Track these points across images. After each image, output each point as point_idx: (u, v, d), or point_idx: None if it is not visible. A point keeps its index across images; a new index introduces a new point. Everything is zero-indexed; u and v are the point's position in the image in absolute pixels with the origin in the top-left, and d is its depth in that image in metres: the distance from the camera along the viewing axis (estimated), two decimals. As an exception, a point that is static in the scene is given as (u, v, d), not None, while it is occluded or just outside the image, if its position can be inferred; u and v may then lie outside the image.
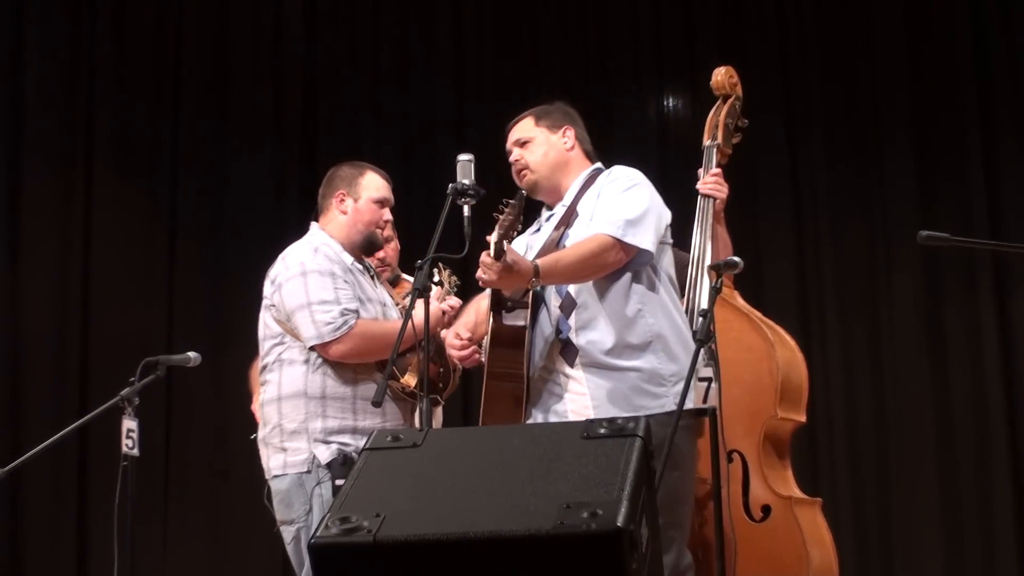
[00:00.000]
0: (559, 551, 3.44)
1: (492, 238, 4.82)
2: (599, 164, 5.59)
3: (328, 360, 5.68)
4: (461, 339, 5.38)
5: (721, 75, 6.39)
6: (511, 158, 5.59)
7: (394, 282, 6.51)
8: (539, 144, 5.53)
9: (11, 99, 9.35)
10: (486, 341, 5.34)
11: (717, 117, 6.29)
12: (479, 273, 4.92)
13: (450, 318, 5.81)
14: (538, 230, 5.52)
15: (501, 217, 4.85)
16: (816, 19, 9.29)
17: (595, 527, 3.40)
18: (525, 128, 5.58)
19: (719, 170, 6.11)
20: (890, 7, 9.09)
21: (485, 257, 4.86)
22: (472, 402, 6.36)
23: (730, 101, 6.35)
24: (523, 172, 5.54)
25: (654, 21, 9.62)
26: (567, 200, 5.47)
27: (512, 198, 4.94)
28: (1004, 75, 8.82)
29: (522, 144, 5.55)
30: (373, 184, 5.97)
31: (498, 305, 5.29)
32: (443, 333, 5.75)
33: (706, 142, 6.23)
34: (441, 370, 5.56)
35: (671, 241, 5.46)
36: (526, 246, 5.52)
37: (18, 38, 9.45)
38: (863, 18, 9.16)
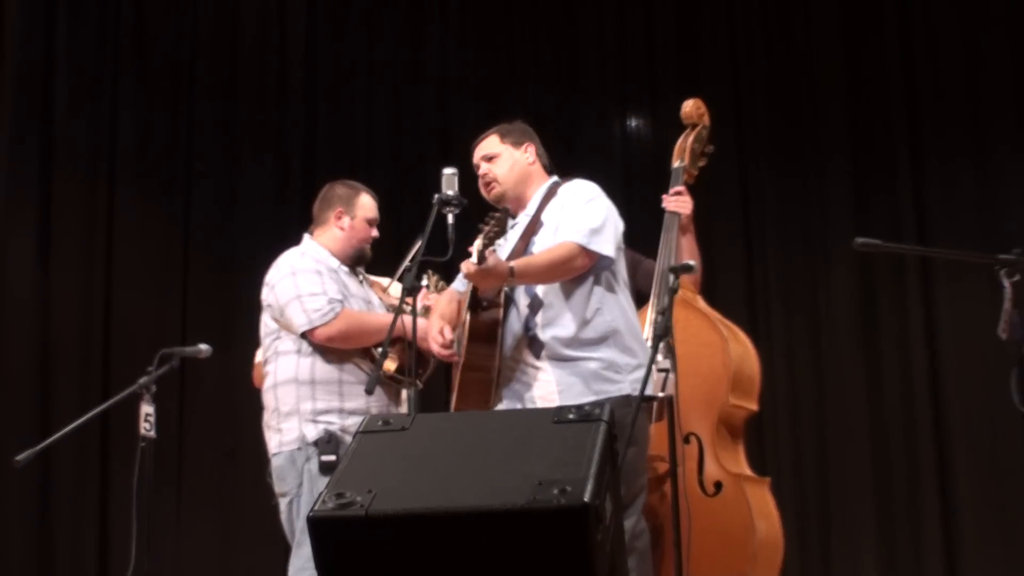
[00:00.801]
0: (532, 523, 3.46)
1: (476, 246, 4.88)
2: (556, 177, 5.62)
3: (317, 348, 5.75)
4: (445, 338, 5.38)
5: (690, 106, 6.46)
6: (479, 172, 5.62)
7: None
8: (505, 159, 5.57)
9: (42, 114, 9.31)
10: (462, 335, 5.37)
11: (685, 142, 6.35)
12: (463, 272, 5.00)
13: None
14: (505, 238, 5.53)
15: (486, 228, 4.92)
16: (764, 50, 9.29)
17: (564, 502, 3.43)
18: (491, 144, 5.61)
19: (683, 188, 6.15)
20: (829, 40, 9.10)
21: (468, 262, 4.92)
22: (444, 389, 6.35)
23: (697, 129, 6.42)
24: (491, 184, 5.58)
25: (620, 51, 9.62)
26: (530, 210, 5.50)
27: (496, 211, 4.98)
28: (929, 98, 8.83)
29: (489, 159, 5.59)
30: (367, 205, 6.06)
31: (475, 304, 5.33)
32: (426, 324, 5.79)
33: (675, 163, 6.30)
34: (419, 357, 5.57)
35: (623, 248, 5.49)
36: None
37: (49, 59, 9.41)
38: (805, 49, 9.18)
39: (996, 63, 8.69)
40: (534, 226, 5.42)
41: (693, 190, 6.23)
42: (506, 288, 5.26)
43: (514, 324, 5.35)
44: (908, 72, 8.90)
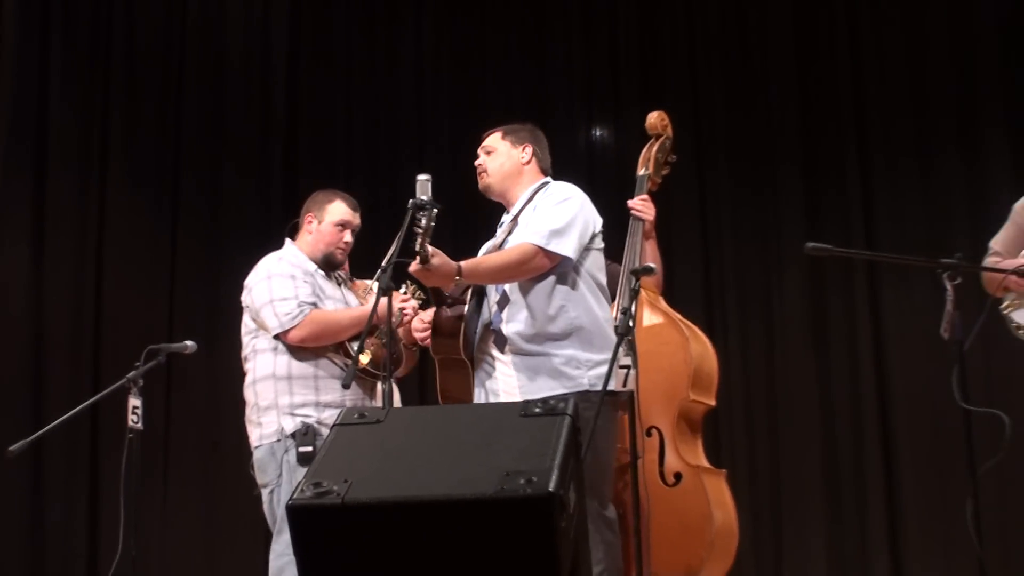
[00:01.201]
0: (500, 512, 3.47)
1: (416, 247, 4.92)
2: (548, 180, 5.61)
3: (291, 346, 5.75)
4: (424, 323, 5.52)
5: (655, 118, 6.47)
6: (476, 162, 5.66)
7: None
8: (500, 154, 5.59)
9: (37, 122, 9.31)
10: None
11: (650, 152, 6.35)
12: (412, 267, 5.01)
13: (408, 319, 5.85)
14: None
15: (419, 229, 4.92)
16: (721, 65, 9.32)
17: (530, 491, 3.43)
18: (493, 140, 5.63)
19: (647, 196, 6.15)
20: (783, 56, 9.13)
21: (415, 264, 4.97)
22: (428, 384, 6.35)
23: (661, 139, 6.42)
24: (481, 175, 5.62)
25: (586, 65, 9.63)
26: (514, 210, 5.53)
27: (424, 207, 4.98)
28: (876, 111, 8.86)
29: (487, 152, 5.61)
30: (337, 210, 6.06)
31: (440, 301, 5.42)
32: (405, 321, 5.85)
33: (639, 172, 6.30)
34: (394, 354, 5.57)
35: (600, 247, 5.49)
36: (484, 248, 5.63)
37: (44, 70, 9.39)
38: (760, 65, 9.21)
39: (938, 76, 8.73)
40: (513, 227, 5.45)
41: (655, 196, 6.23)
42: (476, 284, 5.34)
43: (483, 317, 5.40)
44: (856, 85, 8.94)
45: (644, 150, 6.33)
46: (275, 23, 10.10)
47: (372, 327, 5.45)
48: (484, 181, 5.63)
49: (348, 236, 6.06)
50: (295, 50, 10.10)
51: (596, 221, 5.47)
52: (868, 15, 8.97)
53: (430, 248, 4.95)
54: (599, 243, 5.48)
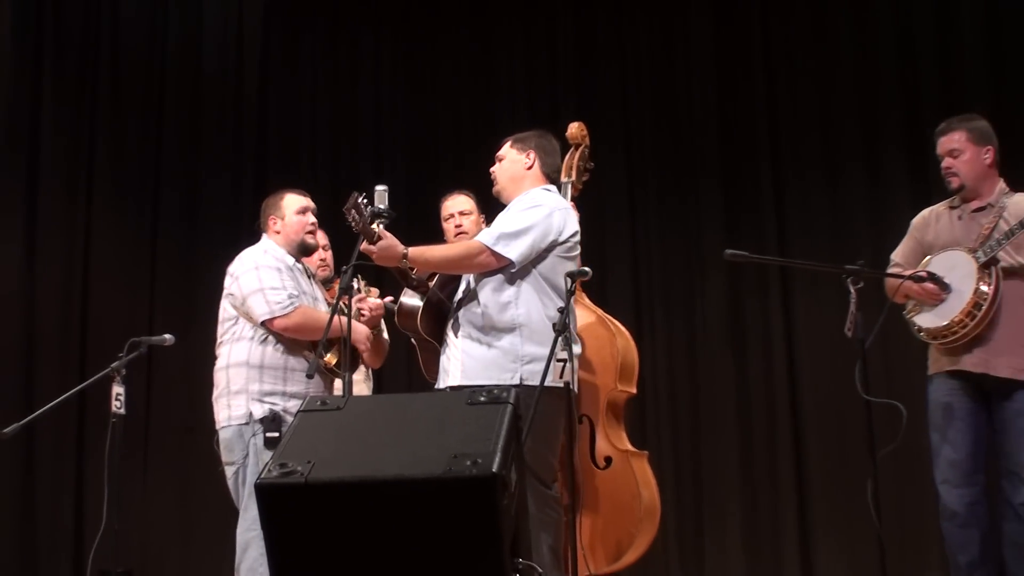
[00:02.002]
0: (448, 490, 3.51)
1: (363, 228, 4.99)
2: (548, 185, 5.60)
3: (270, 337, 5.75)
4: (369, 306, 5.80)
5: (575, 128, 6.41)
6: (491, 168, 5.69)
7: (328, 281, 6.50)
8: (507, 161, 5.61)
9: (29, 133, 9.30)
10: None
11: (572, 160, 6.29)
12: (362, 246, 5.05)
13: (367, 319, 5.86)
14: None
15: (361, 213, 4.96)
16: (651, 87, 9.32)
17: (476, 472, 3.47)
18: (504, 148, 5.67)
19: (571, 203, 6.09)
20: (705, 77, 9.14)
21: (365, 244, 5.02)
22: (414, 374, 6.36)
23: (581, 148, 6.36)
24: (494, 181, 5.65)
25: (528, 85, 9.63)
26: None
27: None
28: (788, 132, 8.88)
29: (499, 160, 5.64)
30: (292, 201, 6.04)
31: (407, 283, 5.44)
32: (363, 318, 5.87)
33: (563, 179, 6.22)
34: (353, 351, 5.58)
35: (566, 253, 5.44)
36: None
37: (37, 86, 9.38)
38: (685, 85, 9.21)
39: (844, 100, 8.75)
40: None
41: (578, 202, 6.21)
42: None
43: (454, 303, 5.43)
44: (770, 107, 8.95)
45: (566, 158, 6.25)
46: (248, 44, 10.07)
47: (334, 338, 5.46)
48: (495, 188, 5.66)
49: (311, 217, 6.05)
50: (265, 70, 10.07)
51: (563, 230, 5.41)
52: (781, 45, 8.98)
53: (378, 230, 4.99)
54: (563, 251, 5.41)
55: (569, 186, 6.23)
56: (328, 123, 10.01)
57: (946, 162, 5.66)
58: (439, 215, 6.46)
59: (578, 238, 5.51)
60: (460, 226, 6.07)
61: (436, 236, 6.34)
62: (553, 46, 9.65)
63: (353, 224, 4.96)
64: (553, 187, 5.61)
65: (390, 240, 5.04)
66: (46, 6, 9.52)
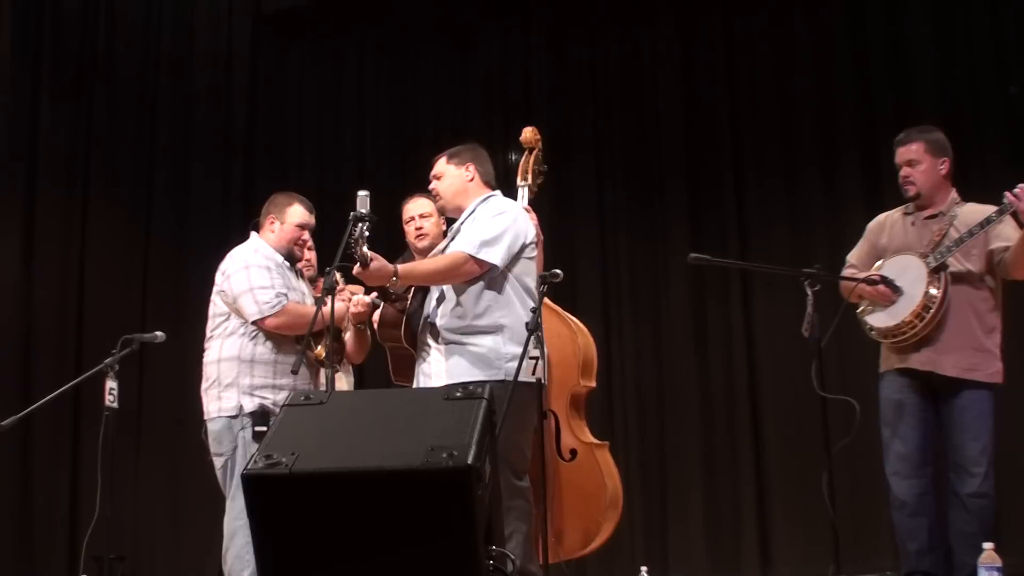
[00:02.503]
0: (426, 481, 3.51)
1: (356, 255, 4.94)
2: (494, 192, 5.58)
3: (260, 333, 5.74)
4: (362, 303, 5.75)
5: (529, 132, 6.33)
6: (430, 187, 5.64)
7: (312, 280, 6.49)
8: (447, 177, 5.55)
9: (28, 138, 9.34)
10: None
11: (527, 164, 6.22)
12: (355, 270, 5.04)
13: (355, 313, 5.87)
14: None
15: (352, 240, 4.93)
16: (620, 95, 9.33)
17: (452, 464, 3.48)
18: (440, 166, 5.59)
19: (529, 207, 6.05)
20: (671, 87, 9.15)
21: (357, 268, 5.00)
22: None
23: (534, 152, 6.28)
24: (436, 198, 5.61)
25: (502, 93, 9.63)
26: (459, 221, 5.51)
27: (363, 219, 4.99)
28: (749, 139, 8.90)
29: (437, 178, 5.58)
30: (297, 213, 6.00)
31: (385, 297, 5.44)
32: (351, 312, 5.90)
33: (519, 183, 6.19)
34: (337, 345, 5.59)
35: (532, 255, 5.44)
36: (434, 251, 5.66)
37: (36, 94, 9.41)
38: (651, 94, 9.21)
39: (802, 109, 8.77)
40: (456, 233, 5.44)
41: (550, 205, 6.17)
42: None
43: (426, 311, 5.39)
44: (733, 114, 8.96)
45: (521, 163, 6.20)
46: (237, 56, 10.07)
47: (324, 329, 5.44)
48: (439, 203, 5.64)
49: (307, 235, 6.04)
50: (254, 80, 10.08)
51: (528, 233, 5.42)
52: (743, 57, 9.00)
53: (369, 253, 4.96)
54: (530, 252, 5.42)
55: (525, 189, 6.17)
56: (313, 130, 10.01)
57: (904, 171, 5.69)
58: None
59: (535, 240, 5.52)
60: (420, 228, 6.04)
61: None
62: (527, 56, 9.65)
63: (353, 250, 4.96)
64: (498, 192, 5.61)
65: (381, 262, 5.04)
66: (45, 17, 9.54)
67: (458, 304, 5.27)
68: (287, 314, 5.67)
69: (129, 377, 8.01)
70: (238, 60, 10.08)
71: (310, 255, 6.48)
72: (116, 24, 9.85)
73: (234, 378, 5.71)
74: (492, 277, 5.27)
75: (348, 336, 6.25)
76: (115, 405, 6.27)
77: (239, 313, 5.76)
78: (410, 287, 5.40)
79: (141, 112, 9.83)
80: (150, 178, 9.76)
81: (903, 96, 8.45)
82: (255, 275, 5.75)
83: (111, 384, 6.23)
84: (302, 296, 5.89)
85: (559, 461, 5.82)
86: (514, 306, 5.29)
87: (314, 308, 5.48)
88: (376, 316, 5.69)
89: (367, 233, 4.97)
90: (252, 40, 10.13)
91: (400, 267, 5.15)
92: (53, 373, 8.65)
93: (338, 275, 6.14)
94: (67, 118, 9.54)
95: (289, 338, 5.74)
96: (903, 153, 5.72)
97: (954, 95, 8.29)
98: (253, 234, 6.03)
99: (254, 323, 5.71)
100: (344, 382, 6.73)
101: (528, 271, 5.40)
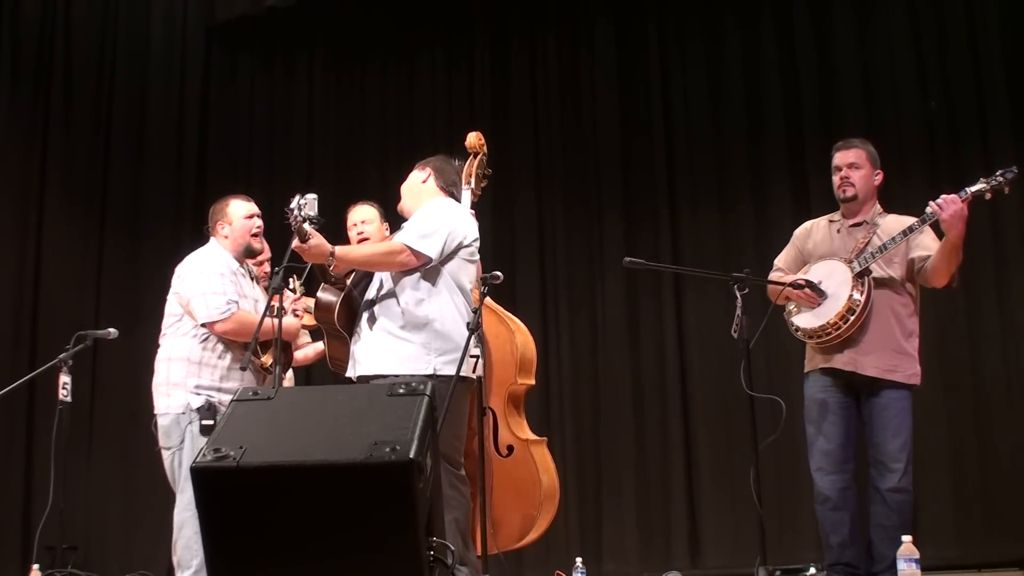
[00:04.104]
0: (369, 474, 3.52)
1: (295, 228, 4.95)
2: (445, 197, 5.57)
3: (211, 336, 5.70)
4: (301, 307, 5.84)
5: (473, 137, 6.27)
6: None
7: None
8: (409, 180, 5.60)
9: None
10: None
11: (471, 168, 6.18)
12: (294, 244, 5.04)
13: (302, 318, 5.88)
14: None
15: (291, 212, 4.94)
16: (560, 109, 9.35)
17: (394, 458, 3.48)
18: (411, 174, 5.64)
19: (472, 212, 6.04)
20: (608, 100, 9.18)
21: (296, 241, 4.99)
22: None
23: (479, 156, 6.24)
24: (399, 200, 5.63)
25: (447, 101, 9.62)
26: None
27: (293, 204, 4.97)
28: (683, 146, 8.95)
29: (404, 181, 5.62)
30: (239, 207, 5.97)
31: (325, 278, 5.39)
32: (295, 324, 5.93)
33: (463, 186, 6.06)
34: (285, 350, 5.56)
35: (468, 257, 5.42)
36: None
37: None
38: (590, 108, 9.25)
39: (733, 120, 8.83)
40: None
41: (492, 210, 6.16)
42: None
43: (367, 297, 5.38)
44: (667, 124, 9.00)
45: (466, 167, 6.14)
46: (190, 64, 10.06)
47: (270, 340, 5.39)
48: (399, 205, 5.65)
49: (257, 221, 5.99)
50: (207, 88, 10.08)
51: (465, 235, 5.41)
52: (678, 68, 9.05)
53: (309, 229, 4.96)
54: (466, 254, 5.41)
55: (469, 192, 6.14)
56: (264, 137, 10.01)
57: (844, 172, 5.70)
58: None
59: (478, 243, 5.52)
60: (362, 233, 6.04)
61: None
62: (471, 68, 9.66)
63: (292, 223, 4.94)
64: (451, 199, 5.60)
65: (319, 239, 5.04)
66: (3, 21, 9.45)
67: (395, 295, 5.26)
68: (235, 322, 5.64)
69: (83, 372, 7.98)
70: (191, 68, 10.05)
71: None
72: (72, 31, 9.79)
73: (182, 378, 5.66)
74: (428, 272, 5.27)
75: (305, 352, 6.27)
76: (69, 399, 6.22)
77: (191, 315, 5.72)
78: (350, 272, 5.38)
79: (97, 116, 9.78)
80: (105, 179, 9.73)
81: (828, 107, 8.52)
82: (209, 280, 5.71)
83: (65, 379, 6.18)
84: (254, 303, 5.84)
85: (496, 456, 5.82)
86: (447, 302, 5.29)
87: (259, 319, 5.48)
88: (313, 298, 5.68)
89: (311, 214, 4.95)
90: (205, 49, 10.09)
91: (338, 248, 5.15)
92: (8, 368, 8.53)
93: (297, 283, 6.15)
94: (23, 121, 9.45)
95: (239, 344, 5.71)
96: (844, 156, 5.74)
97: (877, 111, 8.36)
98: (212, 239, 5.97)
99: (203, 325, 5.67)
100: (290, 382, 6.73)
101: (464, 270, 5.40)
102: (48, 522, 6.43)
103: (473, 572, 5.21)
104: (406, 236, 5.23)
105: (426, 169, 5.57)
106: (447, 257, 5.31)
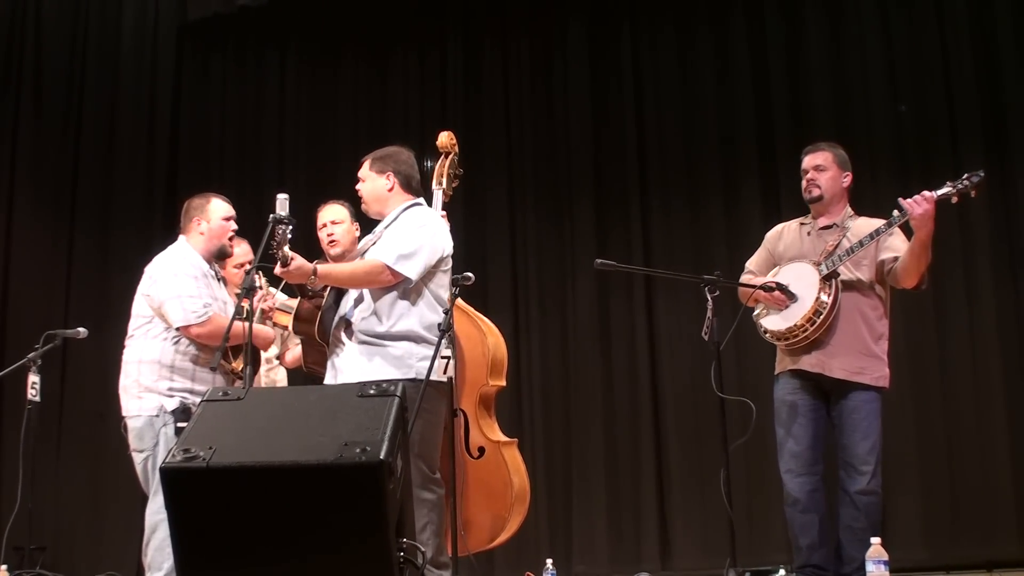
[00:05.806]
0: (339, 475, 3.52)
1: (278, 255, 4.96)
2: (417, 200, 5.56)
3: (183, 340, 5.65)
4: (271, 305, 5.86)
5: (444, 137, 6.30)
6: (356, 187, 5.63)
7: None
8: (369, 181, 5.55)
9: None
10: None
11: (442, 168, 6.19)
12: (276, 269, 5.05)
13: (266, 309, 5.88)
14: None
15: (275, 240, 4.95)
16: (531, 110, 9.36)
17: (364, 459, 3.48)
18: (364, 169, 5.59)
19: (444, 212, 6.05)
20: (580, 101, 9.19)
21: (278, 267, 5.01)
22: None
23: (450, 156, 6.24)
24: (361, 200, 5.58)
25: (420, 111, 9.61)
26: (382, 225, 5.48)
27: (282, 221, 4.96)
28: (655, 149, 8.96)
29: (362, 180, 5.57)
30: (219, 207, 5.92)
31: (303, 293, 5.42)
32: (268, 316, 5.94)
33: (434, 186, 6.15)
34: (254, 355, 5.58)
35: (447, 268, 5.44)
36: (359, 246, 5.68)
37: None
38: (563, 108, 9.25)
39: (704, 124, 8.85)
40: (379, 237, 5.41)
41: (465, 211, 6.15)
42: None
43: (342, 310, 5.39)
44: (640, 128, 8.99)
45: (437, 167, 6.17)
46: (162, 63, 10.03)
47: (241, 345, 5.38)
48: (363, 206, 5.62)
49: (233, 224, 5.96)
50: (178, 87, 10.06)
51: (445, 247, 5.43)
52: (651, 71, 9.06)
53: (290, 253, 4.98)
54: (445, 266, 5.43)
55: (440, 193, 6.14)
56: (235, 137, 9.98)
57: (811, 174, 5.75)
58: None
59: (451, 250, 5.52)
60: (331, 234, 6.02)
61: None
62: (444, 69, 9.66)
63: (275, 252, 4.96)
64: (422, 200, 5.60)
65: (300, 261, 5.05)
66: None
67: (375, 309, 5.27)
68: (212, 324, 5.59)
69: (52, 372, 7.94)
70: (163, 66, 10.02)
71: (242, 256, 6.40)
72: (43, 29, 9.76)
73: (154, 382, 5.62)
74: (407, 288, 5.28)
75: (295, 354, 6.28)
76: (37, 399, 6.21)
77: (163, 318, 5.67)
78: (324, 288, 5.39)
79: (67, 115, 9.76)
80: (75, 178, 9.71)
81: (799, 109, 8.55)
82: (183, 283, 5.66)
83: (33, 378, 6.17)
84: (223, 306, 5.81)
85: (467, 458, 5.83)
86: (427, 315, 5.31)
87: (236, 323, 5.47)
88: (292, 309, 5.68)
89: (289, 236, 4.97)
90: (177, 47, 10.06)
91: (319, 267, 5.16)
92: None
93: (263, 280, 6.14)
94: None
95: (210, 348, 5.67)
96: (812, 159, 5.78)
97: (848, 113, 8.39)
98: (182, 238, 5.92)
99: (178, 329, 5.63)
100: (279, 373, 6.75)
101: (442, 284, 5.42)
102: (16, 522, 6.41)
103: (445, 574, 5.22)
104: (387, 254, 5.23)
105: (387, 174, 5.52)
106: (429, 273, 5.33)
